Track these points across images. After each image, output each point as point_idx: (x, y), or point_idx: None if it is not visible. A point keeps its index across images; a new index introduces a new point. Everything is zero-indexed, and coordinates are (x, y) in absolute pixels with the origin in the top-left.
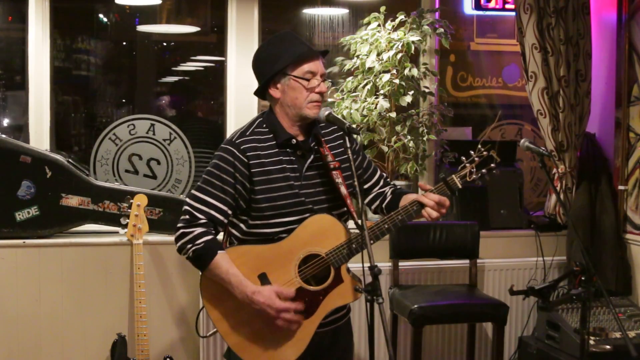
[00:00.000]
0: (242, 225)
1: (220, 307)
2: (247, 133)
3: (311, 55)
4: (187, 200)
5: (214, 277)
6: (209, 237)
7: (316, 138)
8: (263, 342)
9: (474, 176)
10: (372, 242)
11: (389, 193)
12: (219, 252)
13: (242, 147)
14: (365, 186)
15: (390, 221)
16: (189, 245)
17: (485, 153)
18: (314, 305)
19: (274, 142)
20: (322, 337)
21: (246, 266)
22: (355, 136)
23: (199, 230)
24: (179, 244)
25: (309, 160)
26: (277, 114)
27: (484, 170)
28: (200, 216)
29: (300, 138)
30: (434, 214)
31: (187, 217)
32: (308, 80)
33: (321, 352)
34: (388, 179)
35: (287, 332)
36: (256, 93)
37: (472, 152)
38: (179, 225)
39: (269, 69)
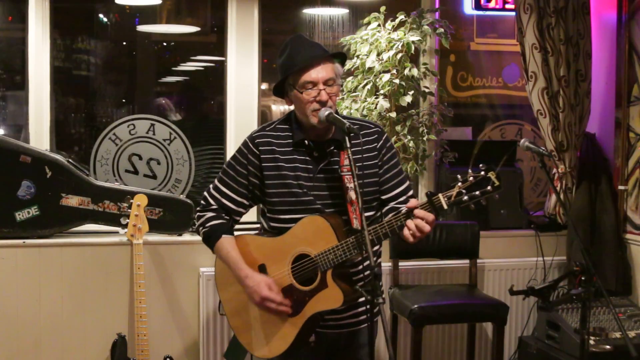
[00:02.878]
0: (267, 214)
1: (227, 289)
2: (268, 129)
3: (310, 64)
4: (208, 187)
5: (220, 259)
6: (217, 222)
7: (338, 143)
8: (258, 330)
9: (465, 197)
10: (356, 251)
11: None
12: (223, 235)
13: (256, 141)
14: (384, 197)
15: (374, 232)
16: (200, 228)
17: (482, 173)
18: (300, 305)
19: (291, 141)
20: (337, 338)
21: (248, 256)
22: (380, 139)
23: (209, 214)
24: (195, 226)
25: (323, 163)
26: (297, 115)
27: (477, 193)
28: (212, 202)
29: (316, 139)
30: (410, 238)
31: (203, 202)
32: (302, 92)
33: (336, 351)
34: (411, 198)
35: (273, 326)
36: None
37: (470, 171)
38: (197, 209)
39: (280, 79)
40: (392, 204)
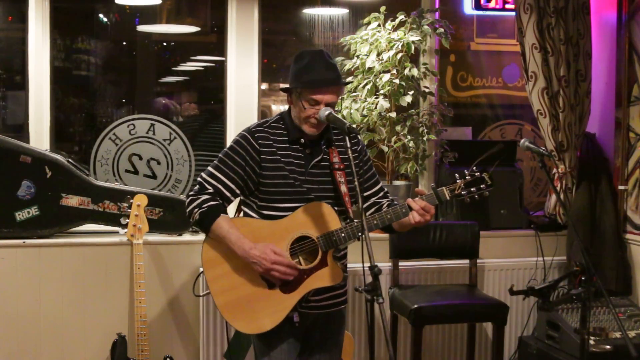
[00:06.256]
0: (253, 206)
1: (216, 268)
2: (264, 125)
3: (322, 86)
4: (201, 174)
5: (217, 238)
6: (214, 203)
7: (328, 141)
8: (246, 307)
9: (463, 192)
10: (360, 234)
11: (385, 205)
12: (222, 214)
13: (256, 135)
14: (365, 194)
15: (379, 217)
16: (196, 209)
17: (477, 174)
18: (297, 282)
19: (287, 138)
20: (317, 318)
21: (246, 236)
22: (358, 142)
23: (205, 196)
24: (188, 209)
25: (316, 159)
26: (292, 116)
27: (473, 189)
28: (209, 187)
29: (310, 138)
30: (417, 217)
31: (198, 187)
32: (305, 107)
33: (315, 328)
34: (387, 193)
35: (265, 303)
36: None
37: (466, 171)
38: (190, 193)
39: (291, 81)
40: (373, 199)
